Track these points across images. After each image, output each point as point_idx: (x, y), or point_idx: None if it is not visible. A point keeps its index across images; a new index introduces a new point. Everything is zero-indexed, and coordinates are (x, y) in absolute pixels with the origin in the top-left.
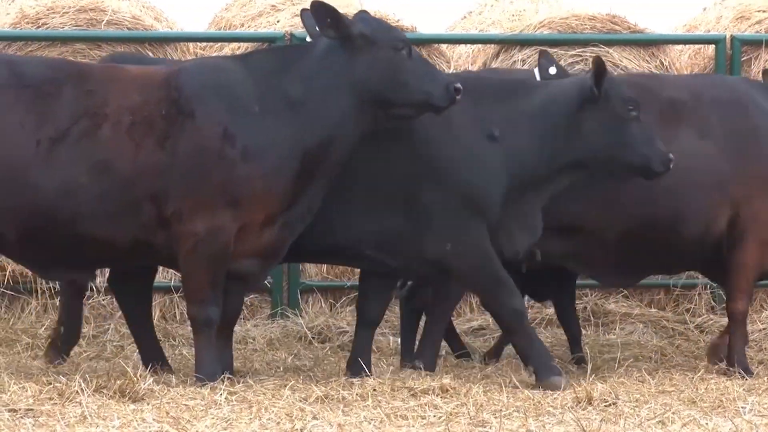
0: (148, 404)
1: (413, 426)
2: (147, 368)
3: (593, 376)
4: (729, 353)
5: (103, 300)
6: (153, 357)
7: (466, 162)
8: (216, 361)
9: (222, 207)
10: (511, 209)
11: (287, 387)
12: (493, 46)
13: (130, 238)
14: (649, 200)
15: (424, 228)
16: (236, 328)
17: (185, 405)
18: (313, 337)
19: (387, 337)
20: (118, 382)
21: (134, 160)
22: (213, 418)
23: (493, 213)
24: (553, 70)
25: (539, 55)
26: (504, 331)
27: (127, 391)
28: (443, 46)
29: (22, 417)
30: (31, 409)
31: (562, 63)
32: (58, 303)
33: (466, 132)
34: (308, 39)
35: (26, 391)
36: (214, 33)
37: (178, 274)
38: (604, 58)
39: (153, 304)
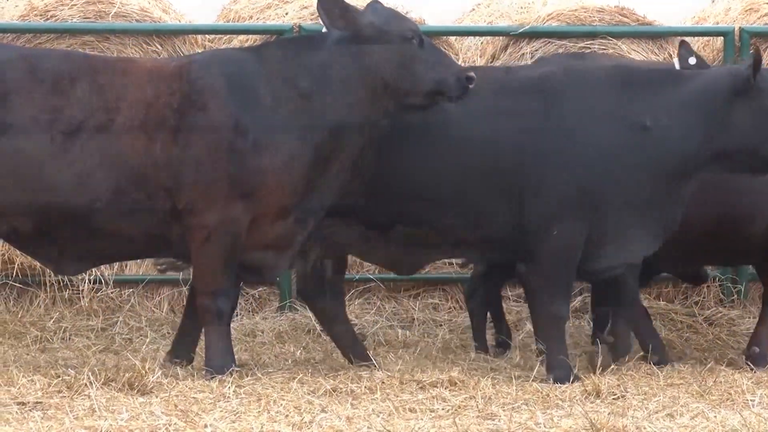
0: (156, 397)
1: (421, 419)
2: (172, 361)
3: (601, 368)
4: (751, 338)
5: (112, 293)
6: (181, 355)
7: (600, 158)
8: (226, 354)
9: (234, 199)
10: (650, 207)
11: (296, 380)
12: (501, 38)
13: (145, 232)
14: (723, 200)
15: (536, 205)
16: (245, 321)
17: (194, 398)
18: (321, 330)
19: (395, 329)
20: (127, 375)
21: (147, 154)
22: (221, 411)
23: (604, 216)
24: (692, 61)
25: (679, 45)
26: (535, 328)
27: (136, 384)
28: (451, 39)
29: (30, 410)
30: (40, 402)
31: None
32: None
33: (609, 126)
34: (324, 30)
35: (35, 384)
36: (222, 25)
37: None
38: (612, 50)
39: (161, 297)
